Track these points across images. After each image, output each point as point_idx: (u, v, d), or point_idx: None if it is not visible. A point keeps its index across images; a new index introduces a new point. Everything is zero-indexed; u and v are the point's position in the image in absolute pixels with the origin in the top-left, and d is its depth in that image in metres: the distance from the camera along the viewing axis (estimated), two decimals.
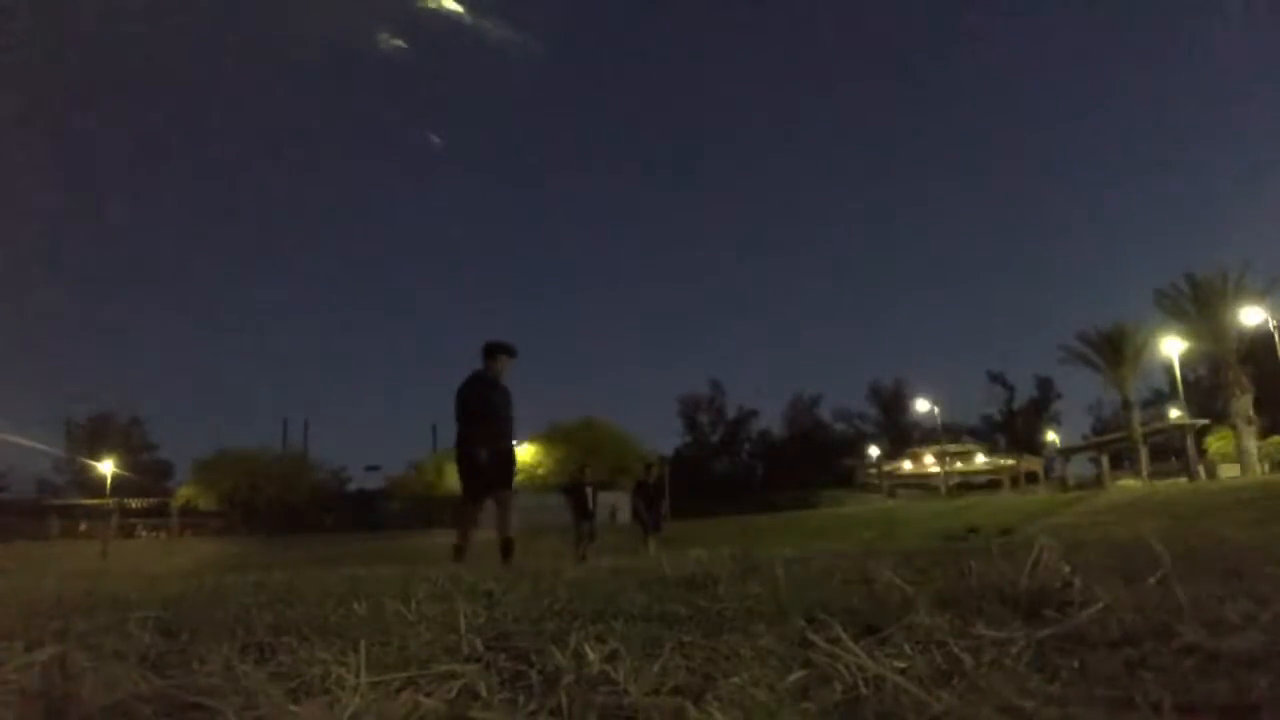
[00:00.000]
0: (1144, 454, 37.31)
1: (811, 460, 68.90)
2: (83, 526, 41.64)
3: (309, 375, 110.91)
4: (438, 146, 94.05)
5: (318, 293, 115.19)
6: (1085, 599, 1.38)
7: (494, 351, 7.74)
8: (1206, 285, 35.27)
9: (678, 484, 42.03)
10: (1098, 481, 41.56)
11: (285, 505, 44.87)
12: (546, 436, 45.60)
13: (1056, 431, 68.87)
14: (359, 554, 21.33)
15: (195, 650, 1.42)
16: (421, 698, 1.05)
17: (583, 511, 15.43)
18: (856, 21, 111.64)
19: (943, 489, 53.66)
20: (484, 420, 7.41)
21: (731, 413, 77.48)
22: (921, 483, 58.14)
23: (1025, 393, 77.61)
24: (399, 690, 1.10)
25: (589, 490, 15.74)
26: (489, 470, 7.39)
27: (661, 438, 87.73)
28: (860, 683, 1.03)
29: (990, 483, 57.94)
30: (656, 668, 1.15)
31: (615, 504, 39.38)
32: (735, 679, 1.09)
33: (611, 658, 1.20)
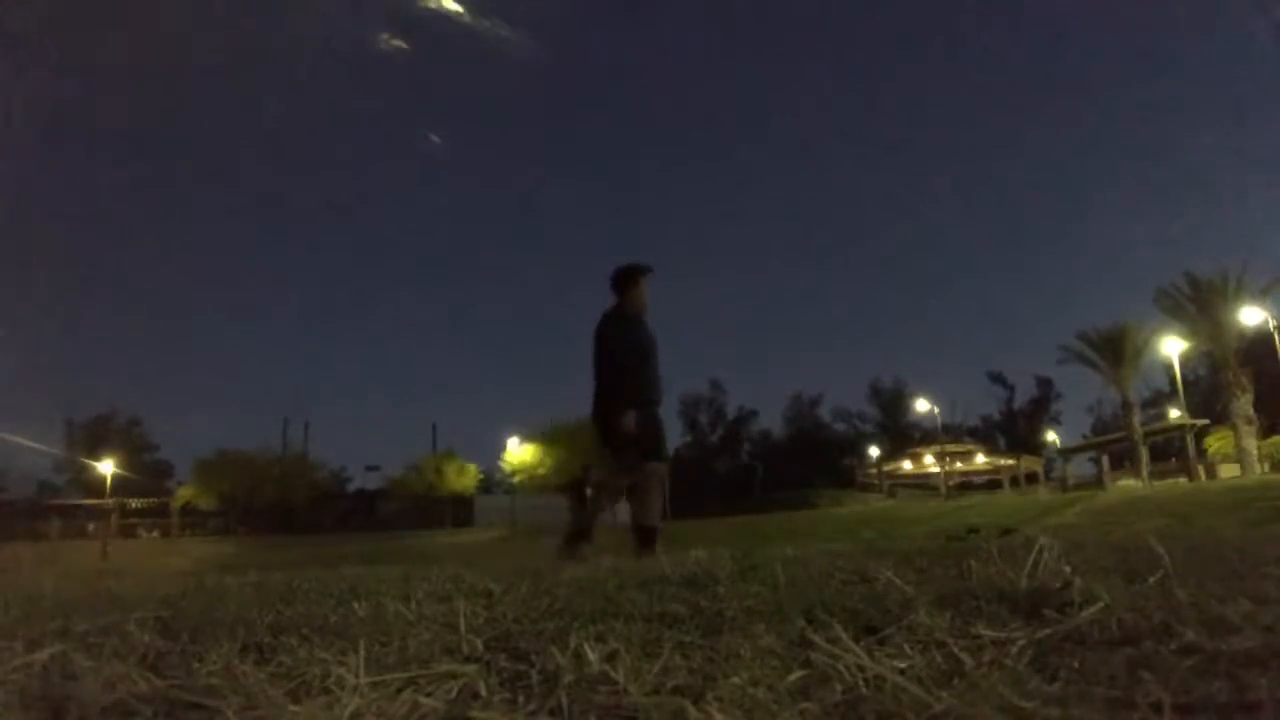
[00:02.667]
0: (1144, 454, 37.30)
1: (811, 460, 68.92)
2: (90, 527, 41.62)
3: (309, 375, 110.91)
4: (437, 147, 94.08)
5: (318, 292, 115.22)
6: (1085, 599, 1.38)
7: (632, 277, 6.06)
8: (1207, 285, 35.26)
9: (678, 484, 41.98)
10: (1098, 482, 41.49)
11: (285, 505, 44.89)
12: (547, 436, 45.55)
13: (1056, 431, 68.95)
14: (359, 554, 21.33)
15: (195, 650, 1.42)
16: (421, 698, 1.05)
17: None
18: (857, 22, 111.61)
19: (942, 489, 53.62)
20: (637, 371, 5.88)
21: (731, 412, 77.56)
22: (921, 482, 58.12)
23: (1025, 393, 77.67)
24: (399, 690, 1.10)
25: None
26: (636, 438, 5.83)
27: None
28: (860, 682, 1.03)
29: (990, 483, 57.94)
30: (656, 668, 1.15)
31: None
32: (735, 679, 1.09)
33: (611, 658, 1.20)
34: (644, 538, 5.76)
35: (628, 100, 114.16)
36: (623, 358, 5.88)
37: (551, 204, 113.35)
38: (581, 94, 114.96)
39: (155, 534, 44.01)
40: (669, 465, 6.31)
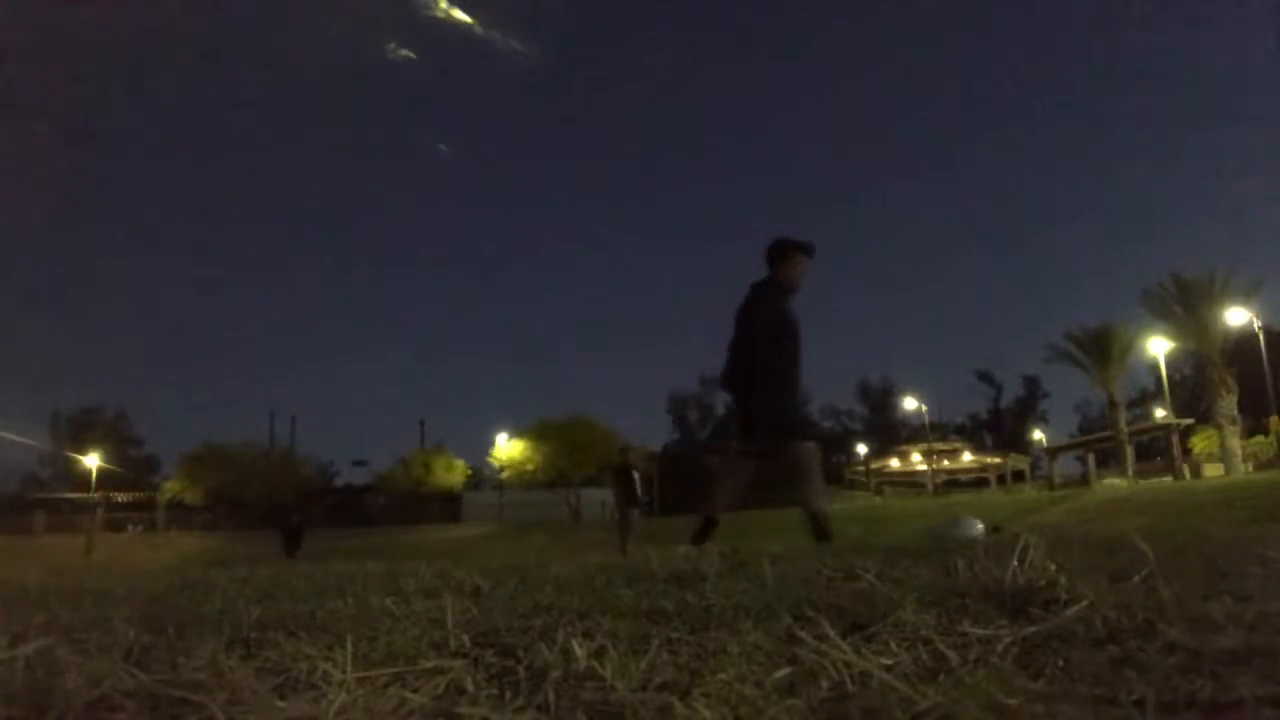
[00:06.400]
0: (1129, 453, 37.50)
1: None
2: (100, 524, 41.18)
3: (296, 370, 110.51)
4: (444, 154, 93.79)
5: (305, 287, 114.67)
6: (1070, 597, 1.39)
7: (782, 251, 5.72)
8: (1193, 286, 35.40)
9: (666, 480, 41.94)
10: (1084, 480, 41.69)
11: (272, 500, 44.66)
12: (535, 433, 45.49)
13: (1043, 430, 69.37)
14: (346, 550, 21.29)
15: (180, 645, 1.41)
16: (408, 693, 1.05)
17: (631, 498, 13.85)
18: (853, 21, 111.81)
19: (929, 487, 53.77)
20: (796, 354, 5.61)
21: (720, 409, 77.65)
22: (908, 480, 58.29)
23: (1012, 391, 78.24)
24: (385, 686, 1.09)
25: (635, 475, 14.15)
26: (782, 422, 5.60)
27: (650, 434, 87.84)
28: (847, 679, 1.03)
29: (977, 481, 58.16)
30: (644, 664, 1.15)
31: (605, 500, 39.34)
32: (722, 675, 1.09)
33: (599, 654, 1.20)
34: (818, 524, 5.42)
35: (623, 97, 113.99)
36: (762, 333, 5.60)
37: (542, 202, 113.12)
38: (579, 91, 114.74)
39: (140, 529, 43.73)
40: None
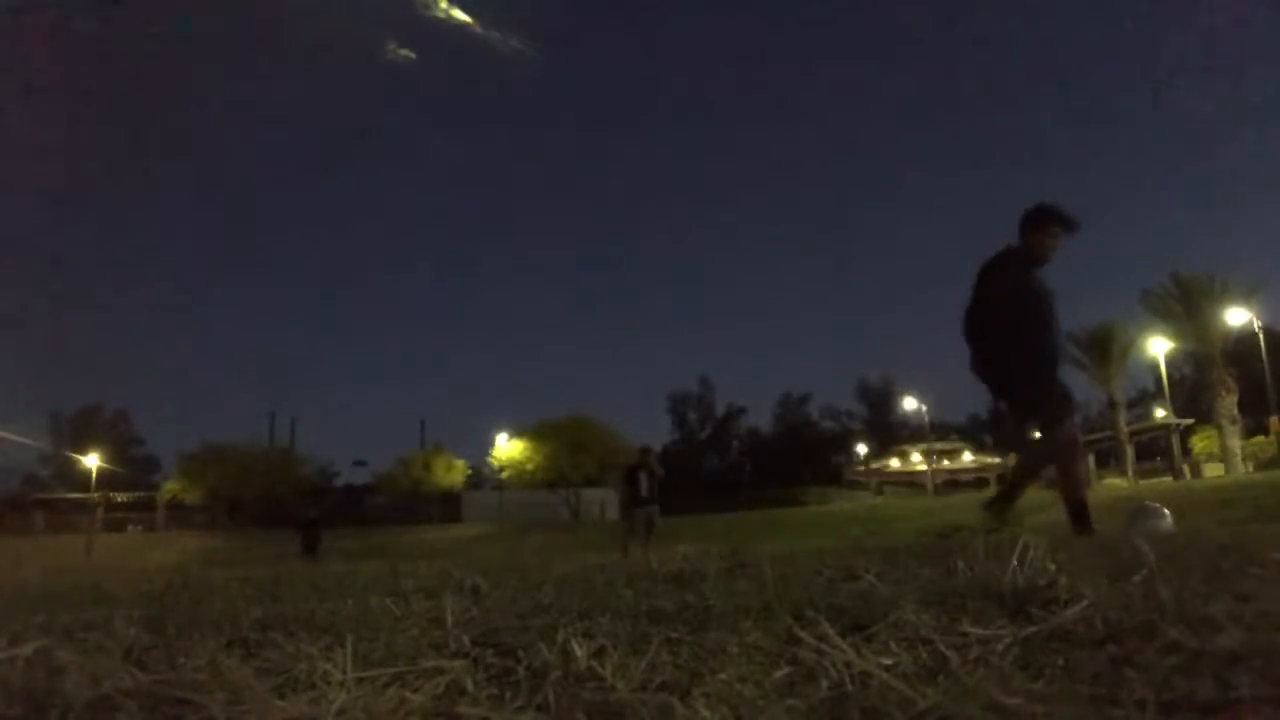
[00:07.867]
0: (1129, 453, 37.52)
1: (799, 458, 69.14)
2: (100, 524, 41.16)
3: (296, 370, 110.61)
4: (441, 150, 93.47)
5: (305, 287, 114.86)
6: (1070, 597, 1.39)
7: (1039, 218, 5.32)
8: (1193, 286, 35.42)
9: (665, 480, 41.94)
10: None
11: (272, 500, 44.58)
12: (535, 433, 45.46)
13: None
14: (346, 550, 21.30)
15: (180, 645, 1.41)
16: (408, 693, 1.05)
17: (636, 499, 13.48)
18: (855, 20, 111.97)
19: (930, 487, 53.81)
20: (1042, 325, 5.24)
21: (720, 410, 77.74)
22: (909, 480, 58.33)
23: None
24: (385, 686, 1.09)
25: (642, 476, 13.59)
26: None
27: (650, 434, 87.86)
28: (847, 679, 1.03)
29: (977, 481, 58.17)
30: (643, 664, 1.15)
31: (604, 500, 39.36)
32: (722, 675, 1.09)
33: (598, 654, 1.20)
34: (1077, 513, 5.25)
35: (623, 97, 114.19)
36: (998, 304, 5.24)
37: (543, 202, 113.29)
38: (578, 91, 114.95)
39: (140, 529, 43.74)
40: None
